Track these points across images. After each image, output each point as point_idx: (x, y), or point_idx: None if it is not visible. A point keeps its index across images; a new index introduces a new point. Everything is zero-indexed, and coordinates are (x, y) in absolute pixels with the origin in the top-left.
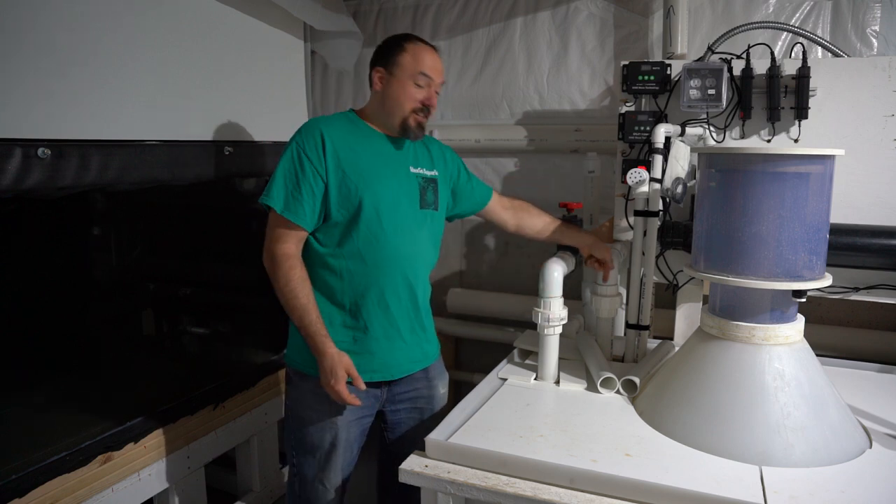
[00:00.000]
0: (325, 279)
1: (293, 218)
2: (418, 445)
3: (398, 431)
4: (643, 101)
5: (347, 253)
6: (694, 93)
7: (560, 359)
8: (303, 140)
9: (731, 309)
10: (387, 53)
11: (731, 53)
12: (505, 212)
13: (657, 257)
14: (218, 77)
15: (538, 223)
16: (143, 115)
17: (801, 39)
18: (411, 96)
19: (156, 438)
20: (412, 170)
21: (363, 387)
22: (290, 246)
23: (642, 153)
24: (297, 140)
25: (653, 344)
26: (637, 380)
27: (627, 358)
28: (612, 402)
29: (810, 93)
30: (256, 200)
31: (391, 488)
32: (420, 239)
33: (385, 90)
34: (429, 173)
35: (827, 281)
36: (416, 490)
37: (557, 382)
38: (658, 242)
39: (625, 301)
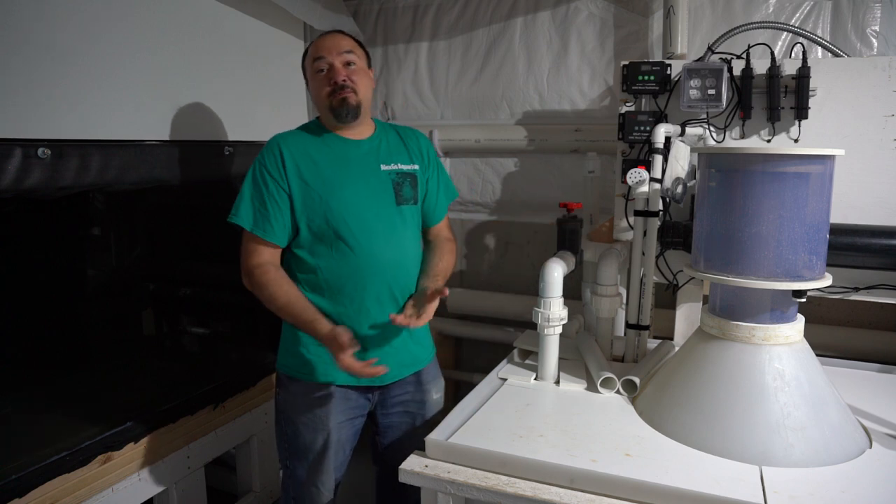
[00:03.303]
0: (306, 296)
1: (263, 234)
2: (409, 451)
3: (390, 436)
4: (643, 101)
5: (324, 266)
6: (694, 93)
7: (560, 359)
8: (263, 158)
9: (731, 309)
10: (303, 67)
11: (731, 53)
12: (426, 241)
13: (657, 257)
14: (218, 77)
15: (427, 257)
16: (143, 115)
17: (801, 39)
18: (320, 84)
19: (156, 438)
20: (383, 167)
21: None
22: (261, 256)
23: (642, 153)
24: (258, 159)
25: (653, 344)
26: (637, 380)
27: (627, 358)
28: (612, 402)
29: (810, 93)
30: None
31: (386, 494)
32: (402, 238)
33: (311, 95)
34: (405, 167)
35: (827, 281)
36: (415, 492)
37: (557, 382)
38: (658, 242)
39: (625, 301)
